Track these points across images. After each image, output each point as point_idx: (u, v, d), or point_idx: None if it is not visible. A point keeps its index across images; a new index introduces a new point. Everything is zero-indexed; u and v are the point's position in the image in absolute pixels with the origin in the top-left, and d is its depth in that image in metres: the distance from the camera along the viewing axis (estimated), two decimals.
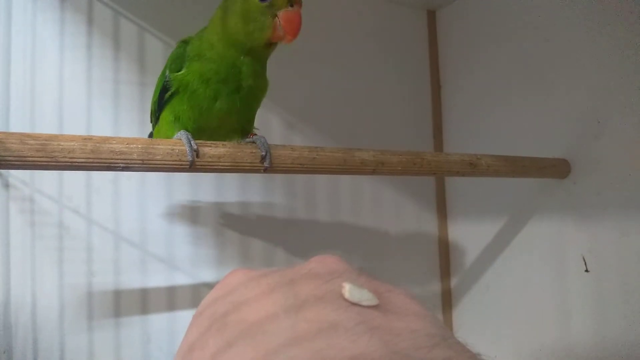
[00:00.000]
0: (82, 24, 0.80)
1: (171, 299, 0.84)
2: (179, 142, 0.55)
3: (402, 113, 1.10)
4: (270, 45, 0.58)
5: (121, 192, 0.82)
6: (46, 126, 0.77)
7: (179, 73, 0.59)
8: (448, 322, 1.08)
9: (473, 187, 1.04)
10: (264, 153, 0.58)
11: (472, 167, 0.72)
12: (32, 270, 0.75)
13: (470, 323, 1.05)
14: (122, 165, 0.51)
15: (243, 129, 0.64)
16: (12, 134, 0.47)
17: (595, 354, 0.78)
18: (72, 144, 0.48)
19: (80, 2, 0.80)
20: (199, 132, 0.60)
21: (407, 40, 1.13)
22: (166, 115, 0.62)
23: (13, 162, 0.47)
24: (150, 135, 0.70)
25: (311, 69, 1.00)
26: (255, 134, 0.63)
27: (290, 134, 0.97)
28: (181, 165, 0.54)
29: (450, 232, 1.11)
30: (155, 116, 0.65)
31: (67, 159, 0.48)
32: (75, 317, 0.77)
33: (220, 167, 0.57)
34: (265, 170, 0.59)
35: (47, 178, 0.77)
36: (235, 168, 0.58)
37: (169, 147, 0.54)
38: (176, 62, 0.60)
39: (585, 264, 0.80)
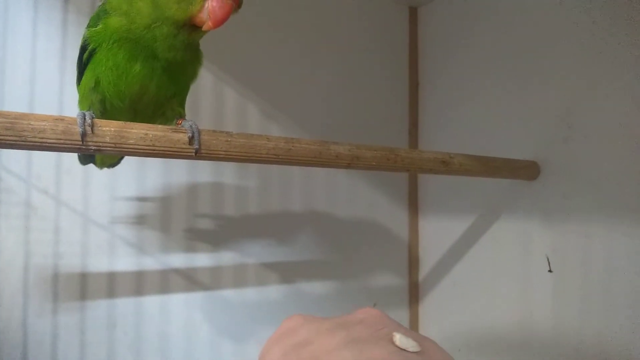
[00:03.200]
0: None
1: (139, 283, 0.83)
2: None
3: (379, 108, 1.11)
4: (191, 26, 0.54)
5: (92, 173, 0.80)
6: (16, 103, 0.75)
7: (96, 28, 0.55)
8: (414, 316, 1.10)
9: (445, 184, 1.06)
10: (190, 135, 0.54)
11: (445, 165, 0.73)
12: None
13: (436, 317, 1.07)
14: (93, 147, 0.50)
15: (172, 111, 0.61)
16: None
17: (553, 349, 0.80)
18: (43, 123, 0.47)
19: None
20: (121, 101, 0.57)
21: (388, 36, 1.13)
22: (86, 80, 0.57)
23: None
24: None
25: (290, 60, 1.00)
26: (185, 119, 0.59)
27: (267, 123, 0.96)
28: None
29: (420, 228, 1.13)
30: (79, 82, 0.61)
31: (37, 139, 0.47)
32: (40, 299, 0.76)
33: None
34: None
35: (15, 156, 0.75)
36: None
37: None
38: (94, 18, 0.56)
39: (549, 264, 0.82)
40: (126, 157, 0.79)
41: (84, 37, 0.57)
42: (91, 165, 0.79)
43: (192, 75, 0.61)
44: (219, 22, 0.52)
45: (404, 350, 0.24)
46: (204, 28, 0.53)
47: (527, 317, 0.86)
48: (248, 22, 0.95)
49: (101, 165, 0.74)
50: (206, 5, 0.52)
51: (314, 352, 0.24)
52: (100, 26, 0.55)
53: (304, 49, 1.02)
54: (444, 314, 1.05)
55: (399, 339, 0.25)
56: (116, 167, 0.78)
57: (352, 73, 1.08)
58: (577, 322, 0.77)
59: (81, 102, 0.59)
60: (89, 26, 0.57)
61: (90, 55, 0.57)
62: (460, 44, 1.04)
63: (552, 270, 0.82)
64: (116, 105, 0.57)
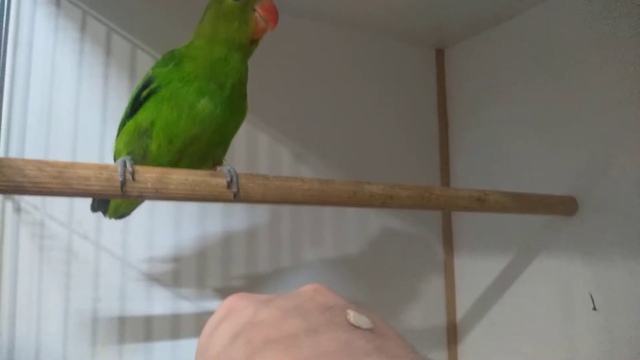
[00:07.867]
0: (100, 55, 0.83)
1: (175, 327, 0.84)
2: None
3: (410, 149, 1.11)
4: (253, 41, 0.61)
5: (130, 218, 0.82)
6: (60, 153, 0.78)
7: (165, 68, 0.58)
8: (453, 357, 1.07)
9: (480, 222, 1.05)
10: (229, 179, 0.56)
11: (480, 202, 0.72)
12: (39, 294, 0.75)
13: (476, 358, 1.03)
14: (135, 193, 0.52)
15: (214, 159, 0.62)
16: (30, 161, 0.48)
17: None
18: (88, 172, 0.49)
19: (99, 35, 0.83)
20: (171, 144, 0.58)
21: (416, 78, 1.15)
22: (139, 120, 0.58)
23: (29, 189, 0.48)
24: None
25: (321, 103, 1.02)
26: (222, 164, 0.61)
27: (299, 165, 0.98)
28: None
29: (456, 267, 1.11)
30: (124, 123, 0.62)
31: (82, 187, 0.49)
32: (79, 343, 0.77)
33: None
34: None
35: (58, 203, 0.78)
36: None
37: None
38: (161, 63, 0.60)
39: (593, 301, 0.79)
40: (152, 204, 0.80)
41: (147, 75, 0.59)
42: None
43: (241, 114, 0.63)
44: (276, 19, 0.59)
45: (358, 327, 0.24)
46: (269, 30, 0.60)
47: (572, 358, 0.82)
48: (279, 67, 0.98)
49: (111, 215, 0.73)
50: (256, 15, 0.59)
51: (269, 334, 0.22)
52: (171, 67, 0.58)
53: (334, 92, 1.04)
54: (484, 355, 1.01)
55: (352, 316, 0.24)
56: (154, 212, 0.80)
57: (382, 114, 1.09)
58: None
59: (121, 150, 0.59)
60: (156, 67, 0.59)
61: (150, 93, 0.58)
62: (489, 82, 1.04)
63: (596, 308, 0.79)
64: (163, 151, 0.58)
